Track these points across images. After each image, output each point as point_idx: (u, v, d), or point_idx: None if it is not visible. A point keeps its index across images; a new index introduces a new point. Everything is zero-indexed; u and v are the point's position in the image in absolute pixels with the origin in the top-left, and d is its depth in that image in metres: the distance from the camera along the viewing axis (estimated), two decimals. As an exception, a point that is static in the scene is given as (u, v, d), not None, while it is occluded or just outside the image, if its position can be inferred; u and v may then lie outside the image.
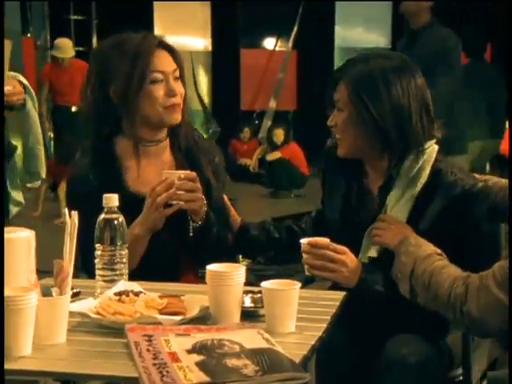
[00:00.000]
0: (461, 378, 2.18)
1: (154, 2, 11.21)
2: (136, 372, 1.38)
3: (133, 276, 1.90)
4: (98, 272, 1.84)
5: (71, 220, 1.58)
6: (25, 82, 2.71)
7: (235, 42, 11.36)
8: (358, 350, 2.11)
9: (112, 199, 1.84)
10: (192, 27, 11.42)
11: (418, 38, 4.34)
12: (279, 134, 9.12)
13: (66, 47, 7.91)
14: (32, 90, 2.78)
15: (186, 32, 11.12)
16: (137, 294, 1.72)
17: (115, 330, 1.60)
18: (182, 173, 2.11)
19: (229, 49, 11.15)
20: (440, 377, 2.12)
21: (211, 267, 1.66)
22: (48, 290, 1.53)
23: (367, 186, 2.21)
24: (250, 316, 1.70)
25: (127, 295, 1.70)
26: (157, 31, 11.22)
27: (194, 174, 2.12)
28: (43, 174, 2.91)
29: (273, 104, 10.68)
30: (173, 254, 2.19)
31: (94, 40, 10.67)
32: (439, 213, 2.06)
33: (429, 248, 1.95)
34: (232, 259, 2.25)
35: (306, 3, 10.61)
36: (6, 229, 1.61)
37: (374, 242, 2.07)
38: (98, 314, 1.64)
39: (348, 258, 2.04)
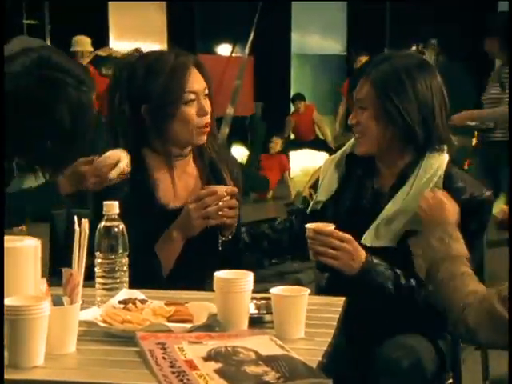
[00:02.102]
0: (451, 380, 2.22)
1: (109, 7, 11.12)
2: (155, 381, 1.37)
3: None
4: (97, 280, 1.82)
5: (81, 228, 1.56)
6: None
7: (192, 47, 11.31)
8: (353, 353, 2.13)
9: (112, 206, 1.82)
10: (148, 32, 11.35)
11: None
12: (275, 144, 9.18)
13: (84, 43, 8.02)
14: None
15: (141, 37, 11.03)
16: (143, 301, 1.71)
17: (123, 339, 1.58)
18: (227, 188, 2.15)
19: (185, 55, 11.12)
20: (432, 380, 2.15)
21: (219, 274, 1.66)
22: (59, 299, 1.51)
23: (378, 185, 2.24)
24: (255, 322, 1.70)
25: (133, 303, 1.69)
26: (112, 37, 11.15)
27: (236, 189, 2.16)
28: None
29: (230, 110, 10.66)
30: (199, 267, 2.19)
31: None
32: None
33: (461, 248, 1.94)
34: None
35: (263, 10, 10.65)
36: (12, 237, 1.59)
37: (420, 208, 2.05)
38: (105, 322, 1.63)
39: (352, 246, 2.06)
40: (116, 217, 1.83)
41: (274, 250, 2.45)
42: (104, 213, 1.82)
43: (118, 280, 1.82)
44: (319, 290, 2.37)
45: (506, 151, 4.65)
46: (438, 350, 2.17)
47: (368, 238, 2.14)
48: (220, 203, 2.12)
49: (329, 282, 2.32)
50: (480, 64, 6.45)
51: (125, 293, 1.77)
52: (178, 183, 2.25)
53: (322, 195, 2.31)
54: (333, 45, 11.44)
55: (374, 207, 2.20)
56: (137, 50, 2.25)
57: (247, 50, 11.09)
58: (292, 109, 10.72)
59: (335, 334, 1.65)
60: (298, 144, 10.21)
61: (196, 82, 2.19)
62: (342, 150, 2.33)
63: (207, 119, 2.20)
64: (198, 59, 2.24)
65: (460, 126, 4.60)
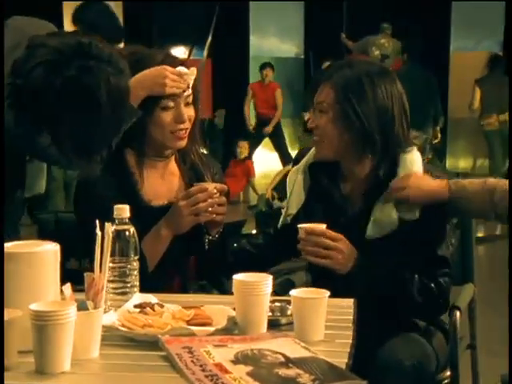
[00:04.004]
0: (448, 380, 2.25)
1: (64, 7, 10.97)
2: (186, 385, 1.37)
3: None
4: (108, 284, 1.80)
5: (106, 232, 1.54)
6: None
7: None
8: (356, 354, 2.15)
9: (123, 210, 1.81)
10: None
11: None
12: (244, 148, 8.98)
13: None
14: None
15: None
16: (160, 305, 1.70)
17: (143, 343, 1.57)
18: (216, 185, 2.14)
19: (143, 57, 11.03)
20: (430, 380, 2.19)
21: (239, 277, 1.66)
22: (84, 303, 1.50)
23: (346, 191, 2.25)
24: (271, 325, 1.70)
25: (151, 307, 1.68)
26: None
27: (226, 187, 2.15)
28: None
29: (189, 112, 10.64)
30: (183, 267, 2.19)
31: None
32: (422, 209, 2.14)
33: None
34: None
35: (221, 12, 10.64)
36: (30, 242, 1.56)
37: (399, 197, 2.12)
38: (124, 326, 1.61)
39: (343, 244, 2.08)
40: (127, 220, 1.81)
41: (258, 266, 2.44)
42: (115, 216, 1.81)
43: (130, 284, 1.81)
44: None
45: None
46: (433, 349, 2.21)
47: (371, 230, 2.15)
48: (209, 200, 2.12)
49: (313, 283, 2.33)
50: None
51: (139, 297, 1.76)
52: (160, 182, 2.24)
53: (292, 208, 2.31)
54: (290, 48, 11.48)
55: (344, 215, 2.21)
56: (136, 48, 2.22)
57: (205, 53, 11.06)
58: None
59: (354, 336, 1.66)
60: (259, 130, 9.79)
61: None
62: (305, 159, 2.34)
63: (184, 126, 2.18)
64: (186, 64, 2.20)
65: None
